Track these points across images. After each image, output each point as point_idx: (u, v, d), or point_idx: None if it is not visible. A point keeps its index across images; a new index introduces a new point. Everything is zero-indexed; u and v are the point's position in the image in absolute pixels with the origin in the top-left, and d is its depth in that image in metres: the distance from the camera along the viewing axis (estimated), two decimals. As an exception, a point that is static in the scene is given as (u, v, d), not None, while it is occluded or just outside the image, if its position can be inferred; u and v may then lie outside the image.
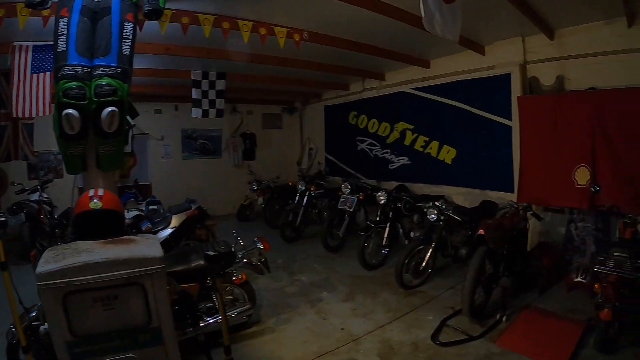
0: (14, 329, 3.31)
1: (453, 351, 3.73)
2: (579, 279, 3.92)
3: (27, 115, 5.25)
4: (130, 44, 2.76)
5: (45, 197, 7.40)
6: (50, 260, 2.08)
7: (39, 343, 2.87)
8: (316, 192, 7.83)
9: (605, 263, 3.55)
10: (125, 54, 2.71)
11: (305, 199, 7.69)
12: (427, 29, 3.27)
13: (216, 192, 10.29)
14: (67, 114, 2.42)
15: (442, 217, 5.31)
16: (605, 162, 4.94)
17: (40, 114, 5.19)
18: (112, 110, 2.49)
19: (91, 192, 2.48)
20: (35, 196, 7.21)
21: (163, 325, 2.22)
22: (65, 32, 2.64)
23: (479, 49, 6.29)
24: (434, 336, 3.98)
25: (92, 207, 2.40)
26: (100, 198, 2.43)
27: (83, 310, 2.08)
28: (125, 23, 2.80)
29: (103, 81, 2.53)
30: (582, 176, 5.13)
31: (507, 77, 6.01)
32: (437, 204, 5.43)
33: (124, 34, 2.74)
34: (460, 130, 6.91)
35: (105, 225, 2.42)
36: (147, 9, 3.18)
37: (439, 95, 7.24)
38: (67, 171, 2.74)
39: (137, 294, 2.15)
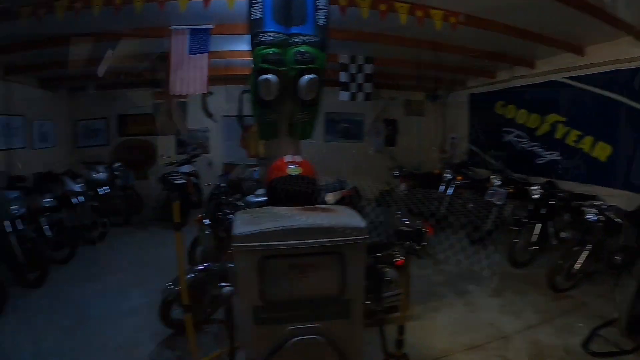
0: (170, 287, 3.48)
1: (604, 362, 3.38)
2: None
3: (184, 93, 5.65)
4: (324, 14, 2.71)
5: (193, 170, 8.09)
6: (248, 223, 2.02)
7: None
8: (462, 181, 7.50)
9: None
10: (320, 24, 2.69)
11: (452, 188, 7.38)
12: None
13: (356, 176, 9.48)
14: (266, 79, 2.45)
15: (601, 218, 4.78)
16: None
17: (198, 92, 5.58)
18: (312, 78, 2.48)
19: (287, 158, 2.45)
20: (184, 168, 7.91)
21: (354, 297, 2.09)
22: (260, 0, 2.68)
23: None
24: (585, 345, 3.64)
25: (289, 172, 2.37)
26: (298, 164, 2.40)
27: (277, 276, 2.00)
28: None
29: (302, 49, 2.53)
30: None
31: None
32: (596, 203, 4.95)
33: (317, 4, 2.71)
34: (618, 125, 6.03)
35: (301, 192, 2.36)
36: None
37: (595, 85, 6.35)
38: (260, 137, 2.80)
39: (335, 264, 2.02)
